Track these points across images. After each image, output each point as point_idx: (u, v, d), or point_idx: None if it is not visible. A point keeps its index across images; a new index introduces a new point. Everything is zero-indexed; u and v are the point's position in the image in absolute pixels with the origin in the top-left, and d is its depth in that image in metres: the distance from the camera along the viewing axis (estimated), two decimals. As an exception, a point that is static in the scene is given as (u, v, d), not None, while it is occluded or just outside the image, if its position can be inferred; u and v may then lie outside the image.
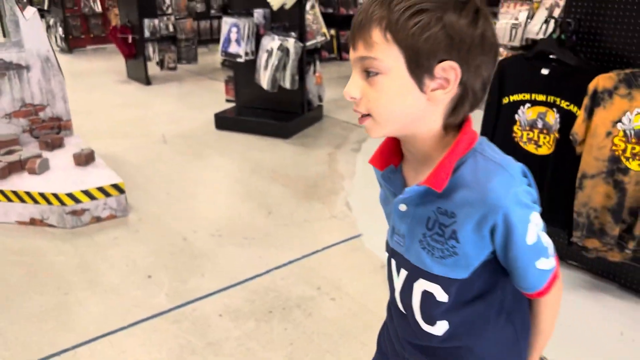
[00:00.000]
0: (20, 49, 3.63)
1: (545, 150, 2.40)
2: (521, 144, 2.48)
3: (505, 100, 2.49)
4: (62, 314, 2.30)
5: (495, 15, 8.60)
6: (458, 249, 0.82)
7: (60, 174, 3.26)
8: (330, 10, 7.44)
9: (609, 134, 2.13)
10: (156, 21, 6.29)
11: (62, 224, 3.02)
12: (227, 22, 4.59)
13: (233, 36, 4.59)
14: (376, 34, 0.75)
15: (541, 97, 2.37)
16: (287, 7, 4.37)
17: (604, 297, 2.39)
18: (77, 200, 3.01)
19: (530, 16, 4.95)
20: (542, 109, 2.38)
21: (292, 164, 4.00)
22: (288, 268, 2.64)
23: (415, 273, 0.90)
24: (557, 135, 2.34)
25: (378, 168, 0.92)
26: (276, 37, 4.40)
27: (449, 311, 0.88)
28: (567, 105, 2.29)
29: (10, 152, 3.40)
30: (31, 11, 3.69)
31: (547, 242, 0.84)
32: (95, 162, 3.46)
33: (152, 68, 6.62)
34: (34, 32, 3.65)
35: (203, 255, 2.76)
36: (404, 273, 0.92)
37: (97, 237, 2.94)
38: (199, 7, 6.69)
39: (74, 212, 3.02)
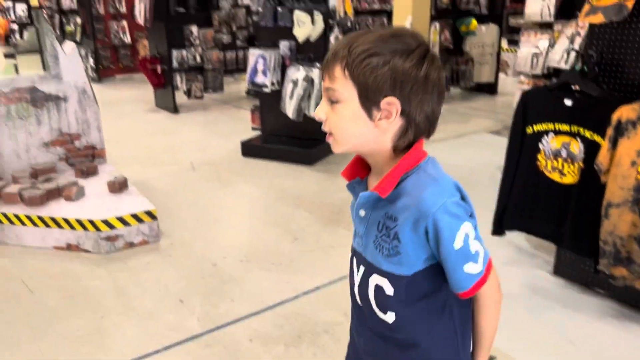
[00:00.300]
0: (59, 81, 3.81)
1: (569, 179, 2.44)
2: (546, 172, 2.52)
3: (529, 130, 2.55)
4: (99, 337, 2.38)
5: (516, 43, 8.67)
6: (400, 248, 0.97)
7: (95, 201, 3.39)
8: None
9: (633, 163, 2.16)
10: (184, 52, 6.50)
11: (96, 249, 3.13)
12: (254, 53, 4.74)
13: (260, 67, 4.73)
14: (337, 70, 0.93)
15: (565, 127, 2.42)
16: (312, 39, 4.51)
17: (633, 325, 2.39)
18: (111, 227, 3.12)
19: (552, 45, 5.01)
20: (566, 138, 2.42)
21: (316, 191, 4.08)
22: (315, 294, 2.69)
23: (370, 269, 1.05)
24: (581, 164, 2.38)
25: (346, 179, 1.09)
26: (301, 67, 4.52)
27: (397, 304, 1.02)
28: (591, 135, 2.34)
29: (48, 180, 3.55)
30: (70, 46, 3.88)
31: (478, 249, 0.96)
32: (128, 189, 3.58)
33: (180, 97, 6.82)
34: (72, 65, 3.83)
35: (232, 281, 2.83)
36: (362, 269, 1.07)
37: (130, 262, 3.03)
38: (225, 38, 6.90)
39: (108, 238, 3.13)
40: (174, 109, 6.57)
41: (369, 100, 0.92)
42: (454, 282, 0.97)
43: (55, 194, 3.41)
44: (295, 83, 4.56)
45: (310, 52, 4.63)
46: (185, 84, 6.70)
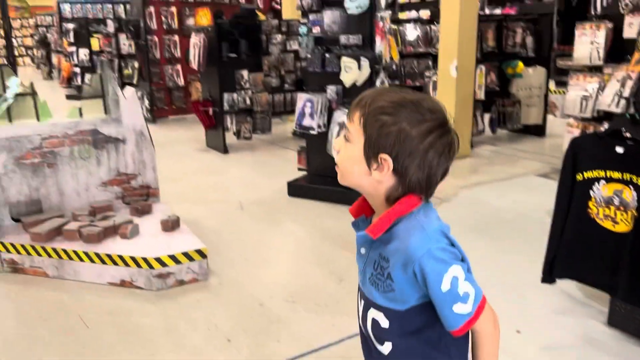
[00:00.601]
0: (119, 124, 4.04)
1: (623, 227, 2.39)
2: (597, 220, 2.48)
3: (579, 177, 2.52)
4: (150, 373, 2.45)
5: (564, 84, 8.58)
6: (394, 286, 1.06)
7: (149, 239, 3.53)
8: (396, 82, 7.70)
9: (690, 213, 2.10)
10: (235, 95, 6.76)
11: (148, 286, 3.24)
12: (301, 97, 4.89)
13: (307, 110, 4.87)
14: (356, 116, 1.05)
15: (617, 175, 2.39)
16: (359, 83, 4.62)
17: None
18: (163, 264, 3.24)
19: (601, 88, 4.95)
20: (619, 186, 2.39)
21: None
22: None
23: (368, 303, 1.14)
24: (635, 212, 2.33)
25: (353, 216, 1.18)
26: (347, 111, 4.62)
27: (392, 336, 1.10)
28: (645, 183, 2.30)
29: (105, 218, 3.72)
30: (130, 91, 4.12)
31: (468, 291, 1.03)
32: (180, 228, 3.71)
33: (229, 137, 7.05)
34: (131, 109, 4.06)
35: (279, 321, 2.87)
36: (362, 303, 1.18)
37: (180, 300, 3.12)
38: (274, 82, 7.13)
39: (160, 275, 3.24)
40: (224, 149, 6.79)
41: (370, 151, 1.03)
42: (444, 320, 1.04)
43: (111, 231, 3.57)
44: (341, 126, 4.66)
45: (357, 96, 4.74)
46: (235, 125, 6.93)
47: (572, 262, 2.62)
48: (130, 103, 4.05)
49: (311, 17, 4.70)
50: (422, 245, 1.01)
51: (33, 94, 3.88)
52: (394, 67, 6.69)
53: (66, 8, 14.44)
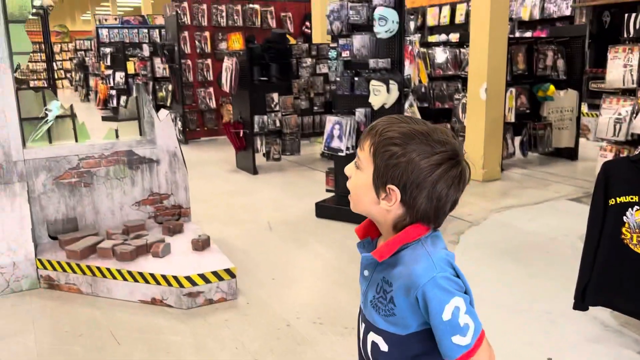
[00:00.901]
0: (153, 145, 4.16)
1: (658, 253, 2.34)
2: (631, 246, 2.43)
3: (612, 202, 2.49)
4: (178, 391, 2.48)
5: (597, 107, 8.46)
6: (395, 310, 1.07)
7: (180, 258, 3.60)
8: (425, 104, 7.71)
9: None
10: (265, 117, 6.88)
11: (179, 304, 3.30)
12: (330, 120, 4.95)
13: (336, 132, 4.92)
14: (367, 144, 1.06)
15: (650, 200, 2.35)
16: (387, 106, 4.66)
17: None
18: (194, 283, 3.29)
19: (635, 111, 4.87)
20: (652, 211, 2.34)
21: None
22: (388, 361, 2.67)
23: (368, 326, 1.15)
24: (670, 239, 2.28)
25: (358, 236, 1.19)
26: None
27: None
28: (680, 209, 2.25)
29: (138, 237, 3.81)
30: (164, 113, 4.25)
31: (468, 323, 1.02)
32: (210, 247, 3.77)
33: (259, 158, 7.15)
34: (165, 131, 4.18)
35: (306, 342, 2.88)
36: (362, 326, 1.18)
37: (209, 319, 3.16)
38: (304, 104, 7.23)
39: (190, 294, 3.29)
40: (254, 171, 6.89)
41: (378, 181, 1.04)
42: (442, 349, 1.04)
43: (143, 250, 3.65)
44: (370, 148, 4.69)
45: (386, 119, 4.78)
46: (264, 147, 7.03)
47: (605, 288, 2.57)
48: (165, 125, 4.17)
49: (341, 41, 4.78)
50: (426, 272, 1.02)
51: (72, 116, 4.03)
52: (422, 89, 6.72)
53: (104, 33, 14.98)
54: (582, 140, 7.46)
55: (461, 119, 6.78)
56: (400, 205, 1.04)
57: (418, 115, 4.88)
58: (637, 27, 4.97)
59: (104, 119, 12.83)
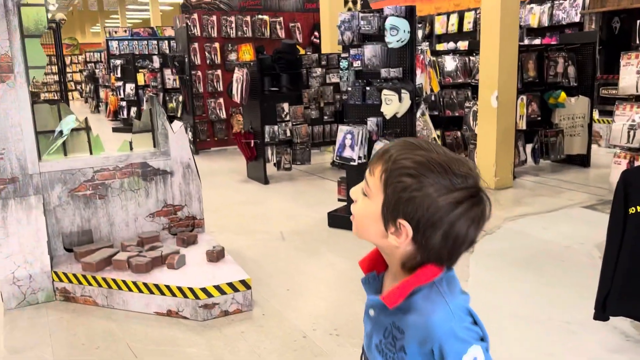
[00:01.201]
0: (167, 157, 4.18)
1: (680, 262, 2.31)
2: (652, 255, 2.41)
3: (632, 211, 2.46)
4: (197, 404, 2.47)
5: (608, 113, 8.41)
6: (406, 359, 0.97)
7: (195, 269, 3.60)
8: (435, 113, 7.70)
9: None
10: (275, 127, 6.90)
11: (194, 316, 3.29)
12: (342, 129, 4.95)
13: (347, 142, 4.92)
14: (378, 170, 0.94)
15: (672, 208, 2.33)
16: (399, 115, 4.66)
17: None
18: (209, 295, 3.29)
19: (650, 117, 4.84)
20: (674, 220, 2.32)
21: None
22: (406, 373, 2.65)
23: None
24: (693, 247, 2.25)
25: (363, 270, 1.09)
26: (388, 142, 4.66)
27: None
28: (702, 217, 2.22)
29: (152, 248, 3.82)
30: (178, 125, 4.27)
31: None
32: (224, 258, 3.77)
33: (269, 168, 7.16)
34: (179, 143, 4.20)
35: (323, 354, 2.86)
36: None
37: (225, 330, 3.16)
38: (314, 114, 7.25)
39: (205, 306, 3.29)
40: (265, 180, 6.90)
41: (388, 213, 0.93)
42: None
43: (158, 262, 3.66)
44: (382, 157, 4.68)
45: (397, 128, 4.78)
46: (275, 157, 7.05)
47: (626, 298, 2.54)
48: (179, 137, 4.19)
49: (352, 51, 4.79)
50: (444, 323, 0.93)
51: (87, 128, 4.06)
52: (432, 98, 6.71)
53: (114, 45, 15.13)
54: (593, 146, 7.41)
55: (472, 127, 6.77)
56: (411, 242, 0.93)
57: (430, 124, 4.87)
58: (649, 33, 4.95)
59: (115, 130, 12.93)
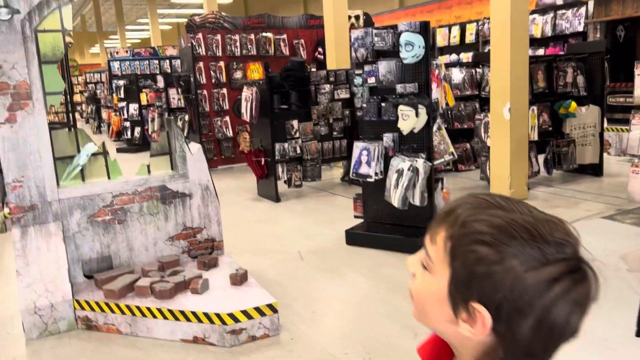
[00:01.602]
0: (186, 180, 4.13)
1: None
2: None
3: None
4: None
5: (616, 121, 8.40)
6: None
7: (219, 294, 3.54)
8: (445, 125, 7.68)
9: None
10: (286, 145, 6.87)
11: (221, 342, 3.23)
12: (358, 146, 4.92)
13: (363, 158, 4.89)
14: (440, 236, 0.73)
15: None
16: (416, 130, 4.63)
17: None
18: (236, 320, 3.23)
19: (667, 126, 4.81)
20: None
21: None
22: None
23: None
24: None
25: (421, 358, 0.85)
26: (406, 158, 4.62)
27: None
28: None
29: (174, 273, 3.76)
30: (196, 147, 4.24)
31: None
32: (248, 281, 3.71)
33: (280, 186, 7.12)
34: (197, 165, 4.17)
35: (358, 380, 2.79)
36: None
37: (254, 357, 3.09)
38: (323, 130, 7.22)
39: (233, 332, 3.22)
40: (276, 198, 6.85)
41: (458, 293, 0.71)
42: None
43: (182, 287, 3.60)
44: (400, 173, 4.65)
45: (414, 143, 4.74)
46: (285, 174, 7.01)
47: (671, 314, 2.48)
48: (197, 158, 4.16)
49: (366, 68, 4.78)
50: None
51: (104, 153, 4.02)
52: (440, 110, 6.70)
53: (115, 65, 15.15)
54: (604, 155, 7.38)
55: (483, 139, 6.74)
56: (489, 332, 0.69)
57: (447, 138, 4.84)
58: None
59: (119, 150, 12.90)
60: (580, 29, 9.28)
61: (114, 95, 14.63)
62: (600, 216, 5.42)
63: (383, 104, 4.75)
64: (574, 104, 6.69)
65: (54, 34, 3.69)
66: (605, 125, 8.19)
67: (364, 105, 4.88)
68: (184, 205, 4.14)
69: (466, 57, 11.58)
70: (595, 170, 7.10)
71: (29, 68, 3.53)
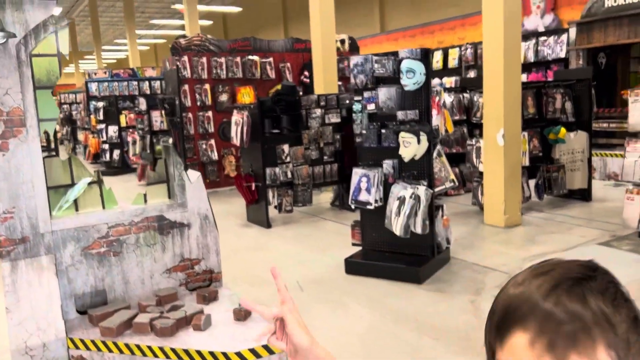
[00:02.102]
0: (184, 209, 3.97)
1: None
2: None
3: None
4: None
5: (601, 146, 8.52)
6: None
7: (224, 330, 3.37)
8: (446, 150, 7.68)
9: None
10: (276, 169, 6.76)
11: (229, 383, 3.06)
12: (357, 172, 4.84)
13: (363, 185, 4.81)
14: (601, 354, 0.60)
15: None
16: (417, 157, 4.58)
17: None
18: (244, 359, 3.06)
19: (662, 153, 4.87)
20: None
21: (434, 313, 3.92)
22: None
23: None
24: None
25: None
26: (408, 185, 4.56)
27: None
28: None
29: (174, 308, 3.58)
30: (195, 175, 4.09)
31: None
32: (252, 316, 3.55)
33: (270, 211, 6.98)
34: (196, 193, 4.01)
35: (378, 423, 2.66)
36: None
37: (266, 399, 2.93)
38: (314, 154, 7.14)
39: (241, 371, 3.06)
40: (267, 224, 6.70)
41: None
42: None
43: (183, 323, 3.41)
44: (402, 200, 4.58)
45: (414, 170, 4.69)
46: (276, 199, 6.88)
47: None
48: (196, 187, 4.01)
49: (365, 94, 4.73)
50: None
51: (99, 182, 3.85)
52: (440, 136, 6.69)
53: (93, 86, 14.88)
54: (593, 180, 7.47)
55: (475, 164, 6.75)
56: None
57: (447, 165, 4.81)
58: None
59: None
60: (563, 55, 9.48)
61: (92, 116, 14.33)
62: (596, 242, 5.43)
63: (383, 131, 4.70)
64: (563, 129, 6.77)
65: (49, 58, 3.54)
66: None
67: (364, 131, 4.81)
68: (182, 236, 3.97)
69: (449, 81, 11.73)
70: (584, 195, 7.17)
71: (24, 94, 3.36)
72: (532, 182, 6.89)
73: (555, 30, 9.87)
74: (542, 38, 9.89)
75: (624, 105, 7.47)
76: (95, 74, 16.00)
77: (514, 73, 5.97)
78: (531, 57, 9.98)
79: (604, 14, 8.39)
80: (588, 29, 8.61)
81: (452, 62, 11.90)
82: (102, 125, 13.42)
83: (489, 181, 6.21)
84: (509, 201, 6.08)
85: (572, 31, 9.08)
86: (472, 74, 11.34)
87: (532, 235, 5.78)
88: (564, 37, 9.37)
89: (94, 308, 3.63)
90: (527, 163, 6.55)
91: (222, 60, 9.39)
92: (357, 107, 4.86)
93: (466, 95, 7.94)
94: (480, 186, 6.57)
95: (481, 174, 6.51)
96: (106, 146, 13.33)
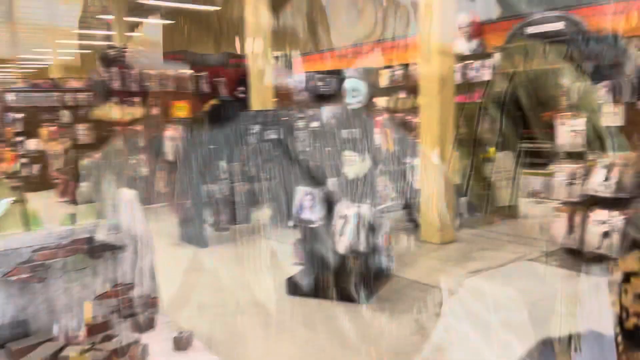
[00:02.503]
0: (117, 230, 3.71)
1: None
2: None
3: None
4: None
5: (527, 165, 8.93)
6: None
7: (163, 361, 3.15)
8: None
9: None
10: (213, 186, 6.54)
11: (169, 419, 2.84)
12: (301, 190, 4.76)
13: (307, 203, 4.73)
14: None
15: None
16: (361, 175, 4.57)
17: None
18: (187, 392, 2.86)
19: (587, 174, 5.15)
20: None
21: (382, 335, 3.88)
22: None
23: None
24: None
25: None
26: (351, 204, 4.53)
27: None
28: None
29: (107, 338, 3.30)
30: (129, 193, 3.84)
31: None
32: (192, 345, 3.35)
33: (205, 228, 6.73)
34: (130, 213, 3.76)
35: None
36: None
37: None
38: (252, 171, 6.99)
39: (183, 406, 2.85)
40: (203, 243, 6.45)
41: None
42: None
43: (117, 354, 3.16)
44: (345, 219, 4.54)
45: (358, 188, 4.67)
46: (212, 217, 6.65)
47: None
48: (130, 207, 3.76)
49: (309, 112, 4.68)
50: None
51: (22, 201, 3.52)
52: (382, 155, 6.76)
53: (9, 97, 13.90)
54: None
55: (411, 182, 6.86)
56: None
57: (389, 183, 4.83)
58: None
59: (15, 188, 11.70)
60: (487, 78, 9.91)
61: (8, 128, 13.35)
62: (526, 259, 5.63)
63: (327, 149, 4.65)
64: (492, 149, 7.04)
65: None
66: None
67: (307, 149, 4.75)
68: (114, 259, 3.70)
69: (381, 101, 11.94)
70: (512, 212, 7.47)
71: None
72: (463, 200, 7.10)
73: (481, 55, 10.32)
74: (469, 61, 10.30)
75: (547, 127, 7.90)
76: (14, 83, 14.98)
77: (448, 93, 6.15)
78: (458, 79, 10.36)
79: (525, 41, 8.89)
80: (510, 55, 9.07)
81: (383, 83, 12.14)
82: (20, 138, 12.52)
83: (425, 198, 6.32)
84: (444, 218, 6.21)
85: (497, 55, 9.52)
86: (403, 94, 11.61)
87: (467, 252, 5.92)
88: (489, 61, 9.81)
89: (14, 341, 3.29)
90: (458, 181, 6.75)
91: (154, 72, 9.06)
92: (300, 124, 4.80)
93: (397, 115, 8.12)
94: (415, 203, 6.68)
95: (416, 191, 6.63)
96: (25, 160, 12.43)
